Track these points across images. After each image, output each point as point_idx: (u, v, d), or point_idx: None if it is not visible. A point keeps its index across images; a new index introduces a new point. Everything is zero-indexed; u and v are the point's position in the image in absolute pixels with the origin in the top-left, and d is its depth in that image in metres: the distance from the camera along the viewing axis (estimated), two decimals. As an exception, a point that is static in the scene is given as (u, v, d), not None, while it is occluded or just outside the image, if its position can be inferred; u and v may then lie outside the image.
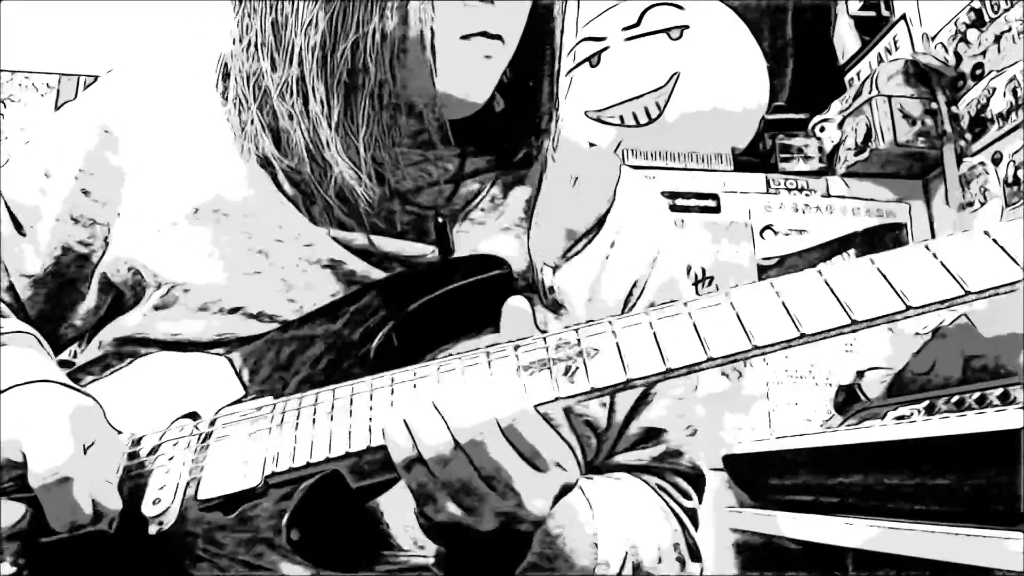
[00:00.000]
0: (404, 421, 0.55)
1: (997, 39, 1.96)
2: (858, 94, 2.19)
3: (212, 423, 0.65)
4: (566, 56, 0.80)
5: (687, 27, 2.28)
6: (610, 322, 0.58)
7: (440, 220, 0.75)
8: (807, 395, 2.08)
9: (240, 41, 0.76)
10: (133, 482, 0.63)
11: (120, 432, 0.67)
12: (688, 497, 0.84)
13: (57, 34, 2.63)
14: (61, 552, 0.62)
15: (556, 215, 0.80)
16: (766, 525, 1.82)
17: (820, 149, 2.30)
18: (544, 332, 0.60)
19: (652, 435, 0.82)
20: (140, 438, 0.67)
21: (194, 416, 0.67)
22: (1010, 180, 1.91)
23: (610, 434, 0.81)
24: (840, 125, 2.25)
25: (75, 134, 0.79)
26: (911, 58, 2.15)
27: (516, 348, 0.59)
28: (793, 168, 2.29)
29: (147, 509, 0.61)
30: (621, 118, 2.30)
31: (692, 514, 0.83)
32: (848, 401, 1.89)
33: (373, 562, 0.66)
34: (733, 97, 2.28)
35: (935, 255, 0.52)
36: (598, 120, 2.31)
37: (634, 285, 0.83)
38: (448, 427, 0.54)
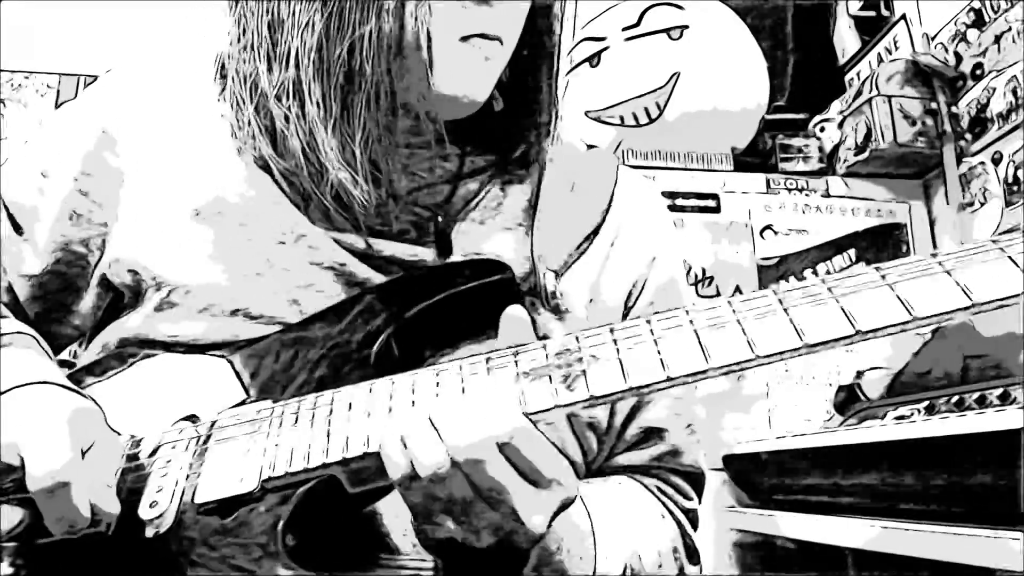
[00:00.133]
0: (400, 438, 0.55)
1: (997, 39, 1.95)
2: (858, 94, 2.19)
3: (211, 426, 0.65)
4: (566, 56, 0.80)
5: (687, 27, 2.28)
6: (611, 329, 0.57)
7: (439, 221, 0.75)
8: (807, 395, 2.08)
9: (237, 42, 0.76)
10: (131, 485, 0.63)
11: (119, 434, 0.67)
12: (688, 498, 0.83)
13: (57, 34, 2.63)
14: (58, 553, 0.62)
15: (557, 220, 0.80)
16: (766, 525, 1.82)
17: (820, 149, 2.30)
18: (544, 339, 0.60)
19: (652, 435, 0.82)
20: (139, 440, 0.67)
21: (193, 419, 0.67)
22: (1010, 180, 1.91)
23: (611, 435, 0.81)
24: (840, 125, 2.25)
25: (74, 134, 0.79)
26: (911, 58, 2.15)
27: (516, 355, 0.59)
28: (793, 168, 2.29)
29: (144, 512, 0.61)
30: (621, 118, 2.30)
31: (692, 515, 0.83)
32: (848, 401, 1.89)
33: (371, 567, 0.66)
34: (733, 97, 2.28)
35: (941, 264, 0.52)
36: (598, 120, 2.31)
37: (633, 285, 0.83)
38: (445, 445, 0.54)
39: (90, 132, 0.78)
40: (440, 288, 0.70)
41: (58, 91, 2.65)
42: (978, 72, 2.02)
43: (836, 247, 2.23)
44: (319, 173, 0.71)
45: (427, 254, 0.75)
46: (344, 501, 0.61)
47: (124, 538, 0.61)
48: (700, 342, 0.54)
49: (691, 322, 0.55)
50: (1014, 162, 1.90)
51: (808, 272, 2.20)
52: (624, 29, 2.33)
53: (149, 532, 0.60)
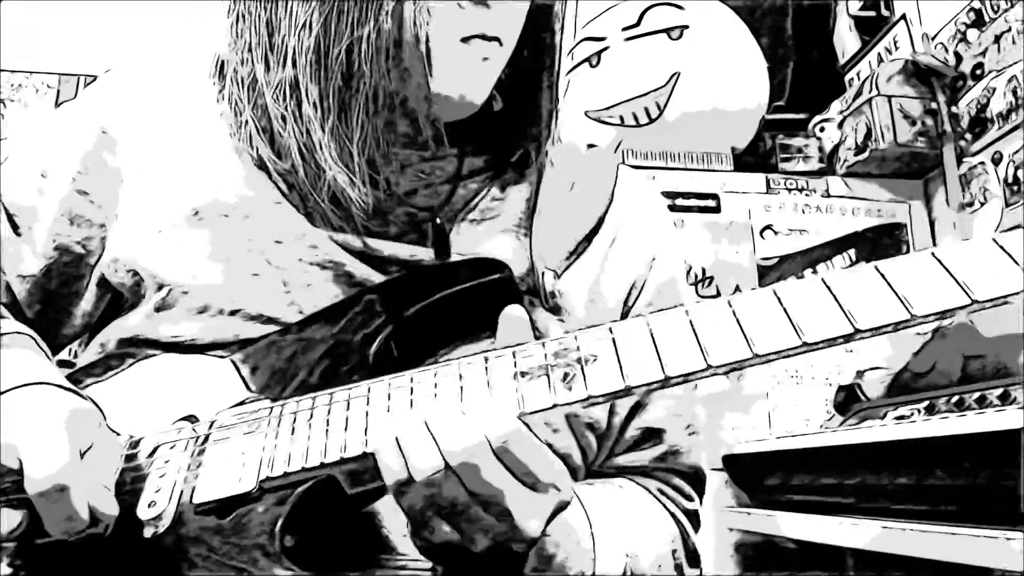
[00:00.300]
0: (396, 442, 0.55)
1: (997, 39, 1.95)
2: (858, 94, 2.19)
3: (210, 426, 0.65)
4: (566, 56, 0.80)
5: (687, 27, 2.28)
6: (609, 328, 0.57)
7: (437, 221, 0.75)
8: (807, 395, 2.08)
9: (235, 42, 0.76)
10: (130, 485, 0.63)
11: (118, 435, 0.67)
12: (689, 498, 0.83)
13: (57, 34, 2.63)
14: (57, 553, 0.61)
15: (557, 220, 0.80)
16: (766, 525, 1.82)
17: (820, 149, 2.30)
18: (542, 338, 0.60)
19: (652, 435, 0.82)
20: (138, 440, 0.67)
21: (192, 419, 0.67)
22: (1010, 180, 1.91)
23: (610, 435, 0.80)
24: (840, 125, 2.25)
25: (73, 135, 0.79)
26: (911, 58, 2.15)
27: (514, 354, 0.58)
28: (793, 168, 2.29)
29: (143, 512, 0.61)
30: (621, 118, 2.29)
31: (693, 515, 0.83)
32: (848, 401, 1.89)
33: (370, 567, 0.66)
34: (733, 97, 2.28)
35: (941, 262, 0.52)
36: (598, 120, 2.31)
37: (632, 285, 0.83)
38: (440, 449, 0.53)
39: (89, 132, 0.78)
40: (439, 287, 0.70)
41: (58, 91, 2.65)
42: (978, 72, 2.02)
43: (836, 247, 2.23)
44: (316, 174, 0.71)
45: (426, 255, 0.75)
46: (343, 501, 0.60)
47: (123, 538, 0.61)
48: (699, 341, 0.54)
49: (690, 322, 0.55)
50: (1014, 162, 1.90)
51: (808, 272, 2.20)
52: (624, 29, 2.33)
53: (147, 532, 0.60)
